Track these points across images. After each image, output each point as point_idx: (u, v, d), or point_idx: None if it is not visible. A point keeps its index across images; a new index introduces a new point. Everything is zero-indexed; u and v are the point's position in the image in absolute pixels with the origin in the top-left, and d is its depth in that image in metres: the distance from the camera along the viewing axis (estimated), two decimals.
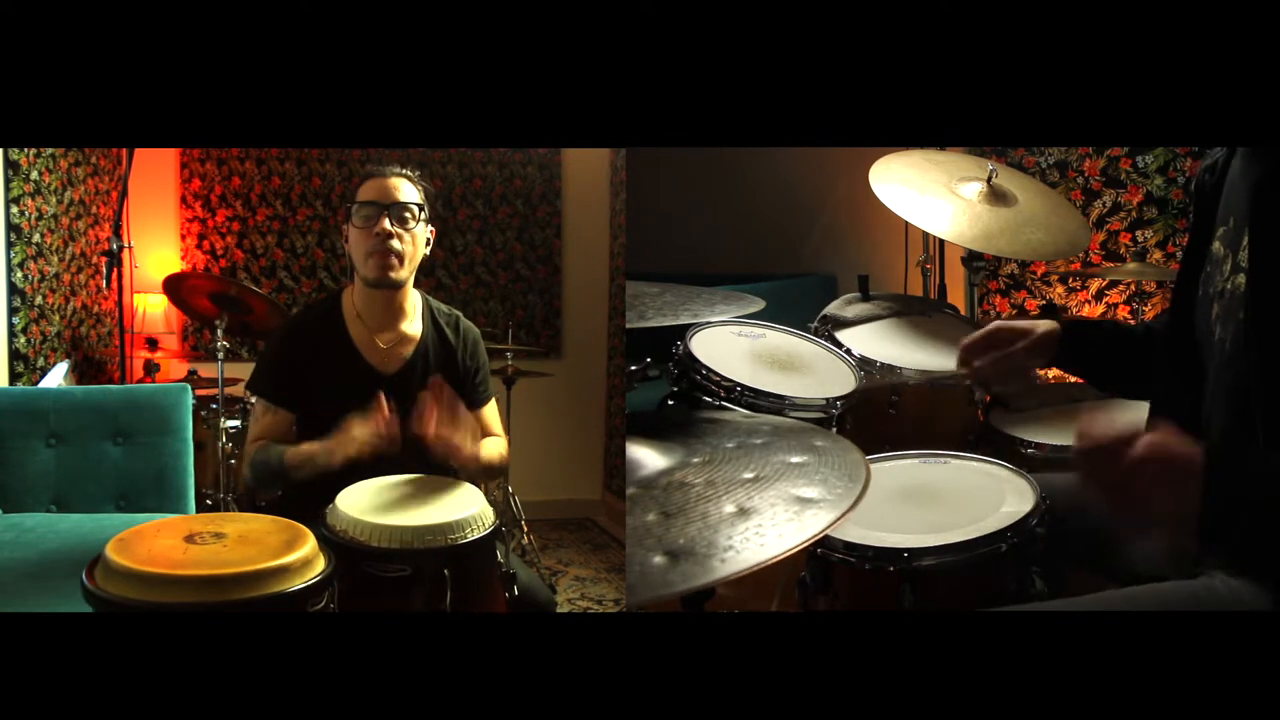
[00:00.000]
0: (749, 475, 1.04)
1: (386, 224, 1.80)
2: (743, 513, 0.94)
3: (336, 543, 1.42)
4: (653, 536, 0.90)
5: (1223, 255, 1.20)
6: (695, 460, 1.10)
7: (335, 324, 1.89)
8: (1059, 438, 1.98)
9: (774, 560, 0.86)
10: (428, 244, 1.91)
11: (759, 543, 0.88)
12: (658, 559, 0.87)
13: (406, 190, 1.85)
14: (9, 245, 3.04)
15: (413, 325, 1.92)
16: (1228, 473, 1.02)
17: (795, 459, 1.09)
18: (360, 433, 1.66)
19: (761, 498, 0.97)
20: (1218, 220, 1.24)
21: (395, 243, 1.80)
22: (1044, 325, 1.46)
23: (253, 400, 1.91)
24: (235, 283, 3.27)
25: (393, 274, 1.82)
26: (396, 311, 1.89)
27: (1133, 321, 3.24)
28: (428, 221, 1.89)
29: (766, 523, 0.92)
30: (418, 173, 1.91)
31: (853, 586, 1.43)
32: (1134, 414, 1.14)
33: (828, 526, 0.92)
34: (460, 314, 2.02)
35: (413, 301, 1.93)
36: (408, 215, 1.82)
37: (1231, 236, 1.19)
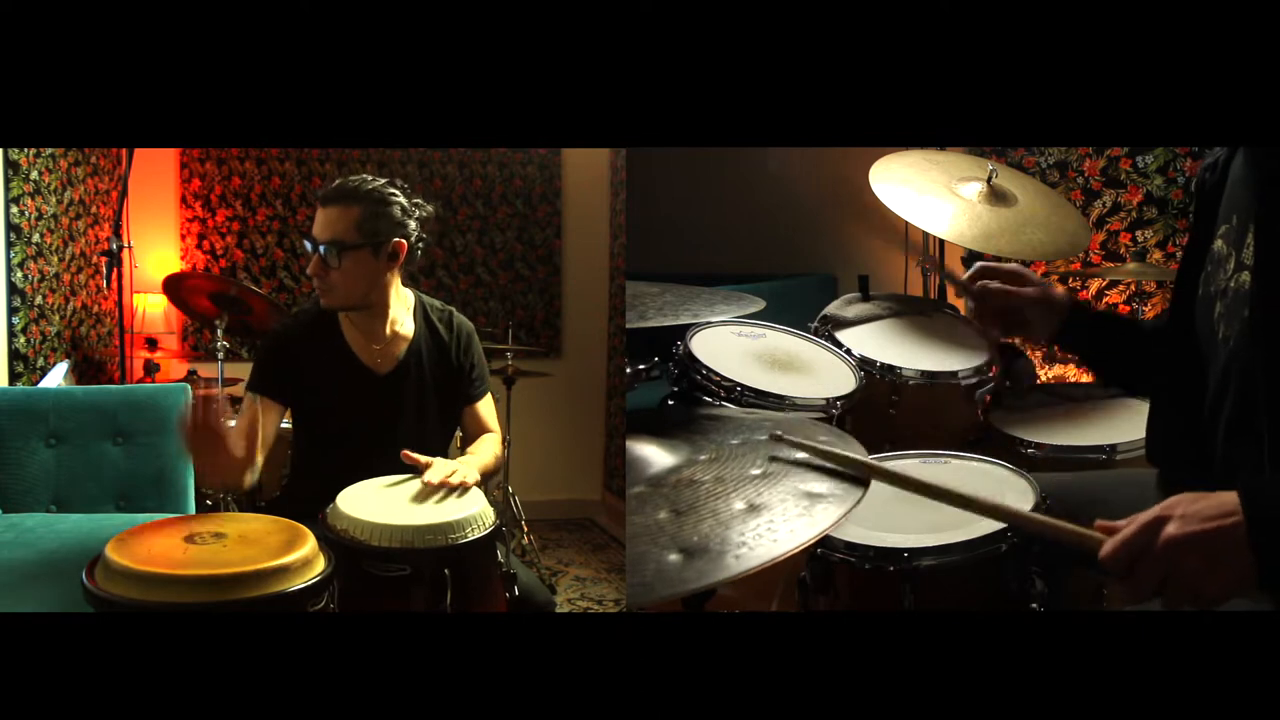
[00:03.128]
0: (756, 471, 1.04)
1: (316, 264, 1.79)
2: (753, 509, 0.94)
3: (337, 542, 1.42)
4: (665, 534, 0.90)
5: (1226, 254, 1.20)
6: (702, 458, 1.10)
7: (330, 326, 1.90)
8: (1059, 438, 1.98)
9: (787, 555, 0.86)
10: (392, 259, 1.85)
11: (771, 539, 0.88)
12: (672, 557, 0.87)
13: (338, 223, 1.78)
14: (9, 245, 3.04)
15: (404, 325, 1.93)
16: (1270, 506, 0.92)
17: (801, 455, 1.09)
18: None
19: (771, 494, 0.97)
20: (1219, 219, 1.24)
21: (323, 283, 1.80)
22: (1059, 289, 1.46)
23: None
24: (235, 283, 3.27)
25: (331, 302, 1.83)
26: (382, 318, 1.90)
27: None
28: (380, 242, 1.81)
29: (778, 518, 0.92)
30: (377, 185, 1.82)
31: (853, 586, 1.43)
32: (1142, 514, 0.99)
33: (838, 520, 0.92)
34: (454, 310, 2.02)
35: (403, 304, 1.93)
36: (331, 253, 1.78)
37: (1235, 235, 1.18)
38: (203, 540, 1.29)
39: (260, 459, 1.75)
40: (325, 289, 1.82)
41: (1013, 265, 1.49)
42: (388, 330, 1.90)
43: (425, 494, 1.59)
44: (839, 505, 0.94)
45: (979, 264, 1.50)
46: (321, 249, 1.78)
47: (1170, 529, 0.93)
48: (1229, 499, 0.94)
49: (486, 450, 1.91)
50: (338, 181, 1.84)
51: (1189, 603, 0.94)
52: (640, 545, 0.90)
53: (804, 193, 4.19)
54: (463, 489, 1.61)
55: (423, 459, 1.66)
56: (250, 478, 1.69)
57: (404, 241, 1.84)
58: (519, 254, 4.64)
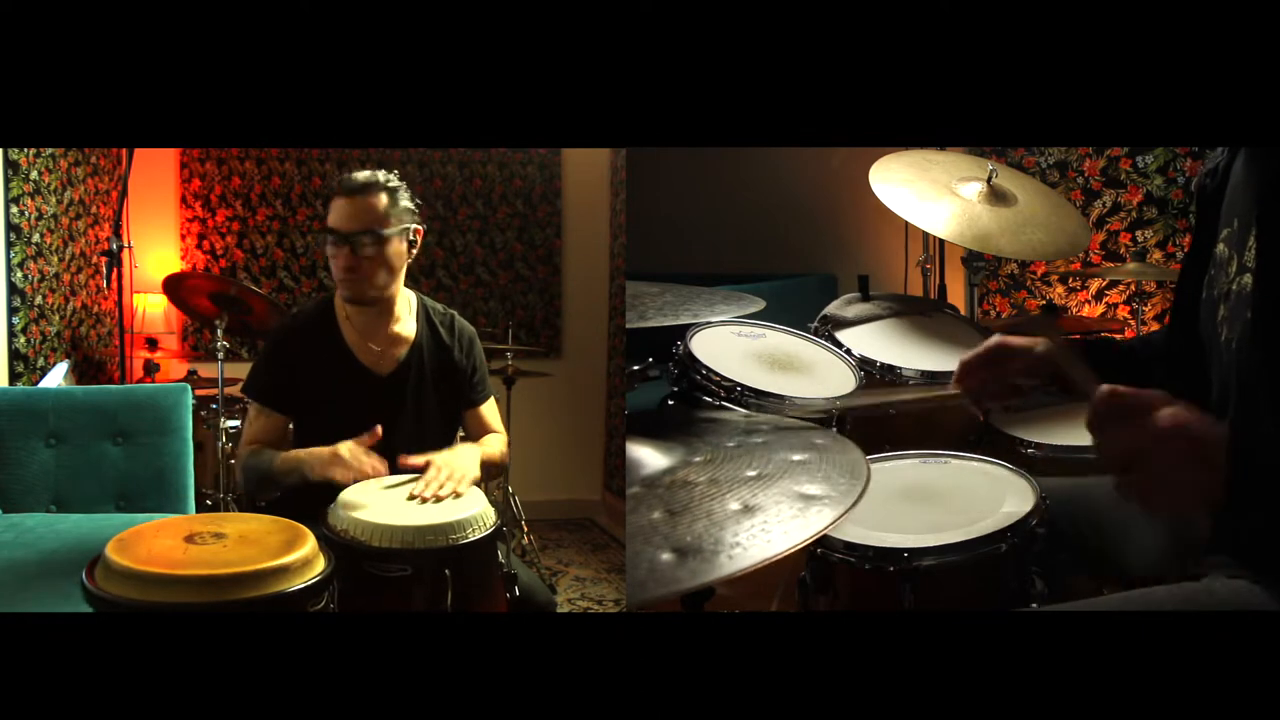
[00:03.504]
0: (751, 473, 1.04)
1: (349, 256, 1.78)
2: (747, 510, 0.94)
3: (337, 543, 1.42)
4: (659, 534, 0.91)
5: (1227, 257, 1.20)
6: (697, 459, 1.10)
7: (329, 326, 1.89)
8: (1059, 438, 1.98)
9: (780, 556, 0.86)
10: (412, 246, 1.88)
11: (765, 539, 0.88)
12: (665, 556, 0.87)
13: (369, 212, 1.79)
14: (9, 245, 3.04)
15: (406, 326, 1.92)
16: (1253, 449, 0.95)
17: (796, 456, 1.09)
18: (343, 464, 1.66)
19: (765, 495, 0.97)
20: (1221, 223, 1.24)
21: (358, 274, 1.80)
22: (1042, 346, 1.44)
23: (249, 402, 1.91)
24: (235, 283, 3.27)
25: (365, 293, 1.83)
26: (386, 316, 1.89)
27: (1132, 321, 3.24)
28: (406, 228, 1.85)
29: (772, 519, 0.92)
30: (389, 176, 1.84)
31: (853, 586, 1.43)
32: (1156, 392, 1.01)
33: (833, 522, 0.92)
34: (455, 313, 2.02)
35: (405, 303, 1.93)
36: (367, 242, 1.79)
37: (1236, 238, 1.18)
38: (203, 540, 1.29)
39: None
40: (355, 281, 1.81)
41: (992, 342, 1.42)
42: (389, 330, 1.90)
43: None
44: (834, 507, 0.94)
45: (960, 362, 1.43)
46: (354, 239, 1.78)
47: (1170, 408, 0.96)
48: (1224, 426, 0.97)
49: (491, 444, 1.91)
50: (356, 175, 1.83)
51: (1153, 487, 0.95)
52: (636, 545, 0.90)
53: (804, 193, 4.19)
54: (454, 495, 1.60)
55: (420, 460, 1.66)
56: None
57: (420, 228, 1.88)
58: (519, 254, 4.64)
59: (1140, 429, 0.96)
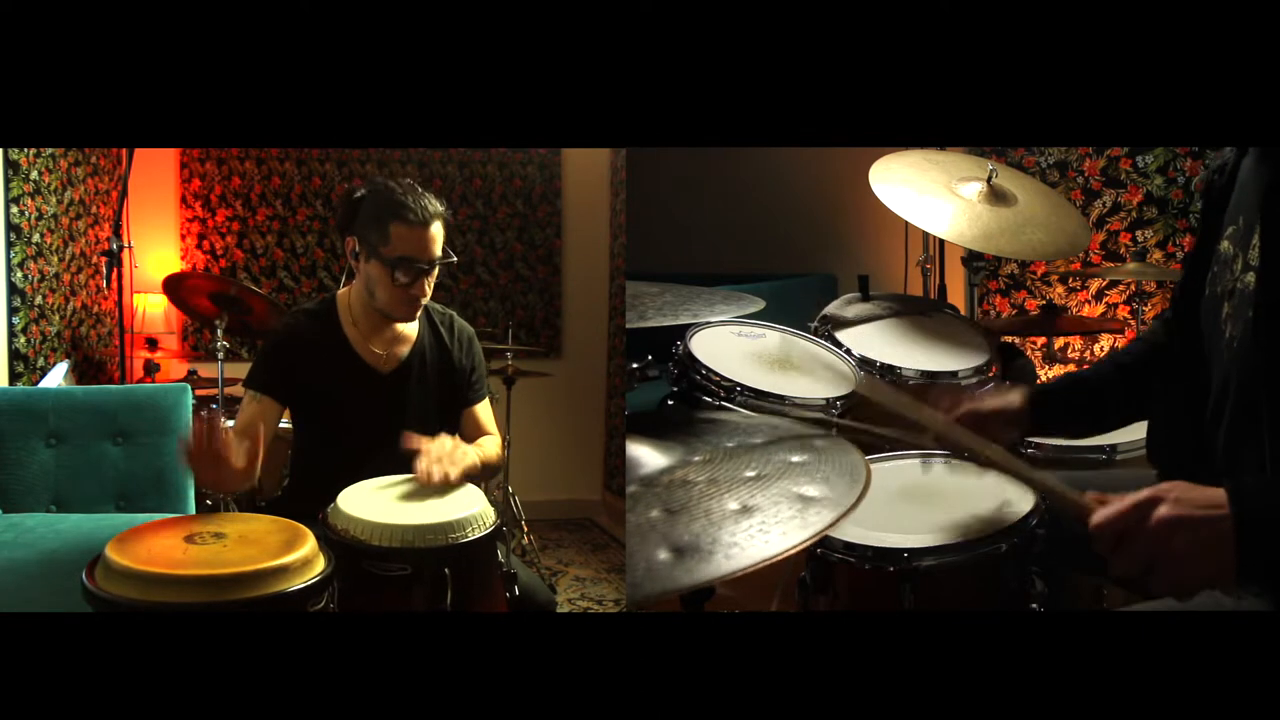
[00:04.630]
0: (750, 474, 1.04)
1: (427, 285, 1.83)
2: (745, 510, 0.94)
3: (337, 542, 1.42)
4: (657, 533, 0.91)
5: (1232, 255, 1.20)
6: (696, 459, 1.10)
7: (331, 325, 1.89)
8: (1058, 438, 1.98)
9: (778, 557, 0.86)
10: None
11: (763, 539, 0.88)
12: (663, 555, 0.87)
13: (439, 238, 1.84)
14: (9, 245, 3.04)
15: (409, 326, 1.93)
16: (1255, 505, 0.96)
17: (796, 458, 1.09)
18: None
19: (764, 495, 0.97)
20: (1226, 221, 1.24)
21: (417, 299, 1.83)
22: (1015, 400, 1.43)
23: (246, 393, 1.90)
24: (235, 283, 3.27)
25: (418, 312, 1.87)
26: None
27: (1132, 321, 3.24)
28: None
29: (770, 520, 0.92)
30: (444, 204, 1.87)
31: (853, 586, 1.43)
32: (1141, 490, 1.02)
33: (831, 524, 0.92)
34: (455, 313, 2.04)
35: None
36: (440, 264, 1.84)
37: (1241, 236, 1.18)
38: (203, 540, 1.29)
39: (259, 459, 1.75)
40: (418, 305, 1.85)
41: (962, 411, 1.43)
42: (394, 330, 1.91)
43: (425, 493, 1.59)
44: (832, 509, 0.95)
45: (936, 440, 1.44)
46: (432, 267, 1.83)
47: (1163, 509, 0.96)
48: (1220, 493, 0.97)
49: (488, 445, 1.92)
50: (421, 201, 1.82)
51: (1170, 586, 0.97)
52: (634, 544, 0.90)
53: (804, 193, 4.19)
54: (445, 479, 1.60)
55: (422, 440, 1.65)
56: (250, 481, 1.69)
57: None
58: (519, 254, 4.64)
59: (1142, 539, 0.97)
